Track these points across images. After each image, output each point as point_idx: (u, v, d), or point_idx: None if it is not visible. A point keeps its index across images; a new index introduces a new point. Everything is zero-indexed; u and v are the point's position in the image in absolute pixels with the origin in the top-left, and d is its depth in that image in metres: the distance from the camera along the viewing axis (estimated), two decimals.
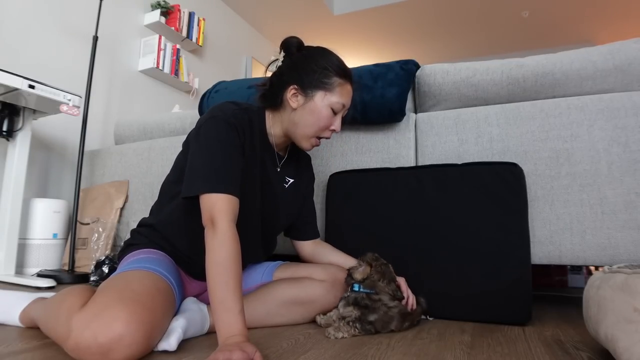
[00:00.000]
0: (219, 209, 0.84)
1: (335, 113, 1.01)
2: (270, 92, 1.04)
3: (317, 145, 1.06)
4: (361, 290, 0.98)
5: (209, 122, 0.93)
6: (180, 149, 1.87)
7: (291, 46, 1.03)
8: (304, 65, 1.00)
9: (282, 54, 1.05)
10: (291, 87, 0.99)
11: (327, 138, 1.05)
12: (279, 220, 1.12)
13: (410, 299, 1.06)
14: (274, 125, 1.05)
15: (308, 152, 1.25)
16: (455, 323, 1.10)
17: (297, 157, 1.18)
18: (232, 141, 0.92)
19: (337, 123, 1.03)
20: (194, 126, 1.89)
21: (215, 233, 0.82)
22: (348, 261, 1.13)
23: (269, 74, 1.09)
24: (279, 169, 1.10)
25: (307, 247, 1.21)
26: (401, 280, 1.07)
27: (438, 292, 1.15)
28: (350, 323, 0.94)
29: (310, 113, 0.99)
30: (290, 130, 1.03)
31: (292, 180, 1.14)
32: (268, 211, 1.08)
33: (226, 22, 3.98)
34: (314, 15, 4.29)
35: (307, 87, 0.98)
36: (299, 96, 0.99)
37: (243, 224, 1.01)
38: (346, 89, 1.02)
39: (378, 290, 0.98)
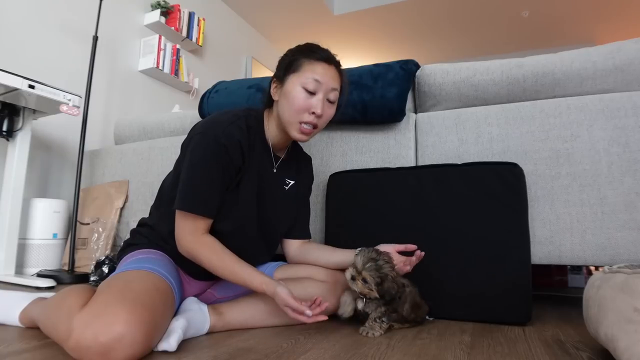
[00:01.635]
0: (182, 226, 0.95)
1: (311, 93, 0.98)
2: (266, 96, 1.09)
3: (309, 134, 1.01)
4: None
5: (198, 139, 0.96)
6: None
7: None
8: (281, 60, 1.05)
9: None
10: (272, 82, 1.05)
11: (313, 125, 1.00)
12: (280, 222, 1.13)
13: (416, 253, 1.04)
14: (270, 125, 1.08)
15: (309, 153, 1.26)
16: (455, 323, 1.10)
17: (297, 158, 1.19)
18: (216, 161, 0.94)
19: (314, 103, 0.98)
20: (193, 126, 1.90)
21: (183, 248, 0.95)
22: (334, 255, 1.12)
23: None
24: (275, 170, 1.10)
25: (294, 245, 1.19)
26: (403, 245, 1.08)
27: (438, 292, 1.14)
28: (377, 320, 0.96)
29: (285, 98, 1.00)
30: (280, 123, 1.04)
31: (292, 182, 1.15)
32: (269, 214, 1.08)
33: (226, 22, 3.98)
34: (314, 15, 4.29)
35: (282, 76, 1.02)
36: (277, 88, 1.04)
37: (240, 230, 1.03)
38: (319, 66, 0.99)
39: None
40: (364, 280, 0.94)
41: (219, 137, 0.94)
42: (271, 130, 1.07)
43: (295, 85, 0.98)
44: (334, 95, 1.02)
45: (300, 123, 0.99)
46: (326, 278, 1.08)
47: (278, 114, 1.03)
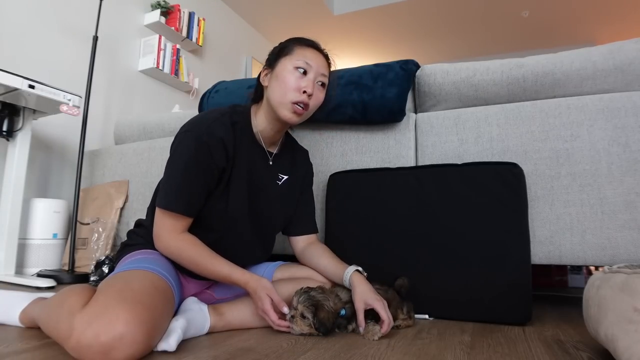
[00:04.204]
0: (161, 224, 0.95)
1: (303, 74, 1.00)
2: (255, 90, 1.12)
3: (300, 114, 1.00)
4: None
5: (181, 138, 0.97)
6: None
7: None
8: (272, 50, 1.09)
9: None
10: (262, 71, 1.07)
11: (304, 104, 0.99)
12: (273, 218, 1.12)
13: (385, 326, 0.92)
14: (259, 118, 1.07)
15: (306, 147, 1.25)
16: (455, 323, 1.10)
17: (292, 153, 1.17)
18: (197, 159, 0.94)
19: (305, 83, 0.99)
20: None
21: (162, 244, 0.95)
22: (333, 266, 1.06)
23: None
24: (267, 165, 1.09)
25: (300, 243, 1.17)
26: (378, 306, 0.93)
27: (438, 292, 1.15)
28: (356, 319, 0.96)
29: (276, 79, 1.02)
30: (270, 109, 1.03)
31: (286, 177, 1.13)
32: (262, 210, 1.07)
33: (226, 22, 3.98)
34: (314, 15, 4.29)
35: (271, 62, 1.05)
36: (267, 74, 1.06)
37: (232, 227, 1.03)
38: (308, 51, 1.04)
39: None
40: (302, 316, 0.91)
41: (201, 135, 0.94)
42: (260, 123, 1.06)
43: (287, 66, 1.01)
44: (323, 80, 1.05)
45: (292, 103, 0.99)
46: (325, 279, 1.08)
47: (268, 99, 1.03)
